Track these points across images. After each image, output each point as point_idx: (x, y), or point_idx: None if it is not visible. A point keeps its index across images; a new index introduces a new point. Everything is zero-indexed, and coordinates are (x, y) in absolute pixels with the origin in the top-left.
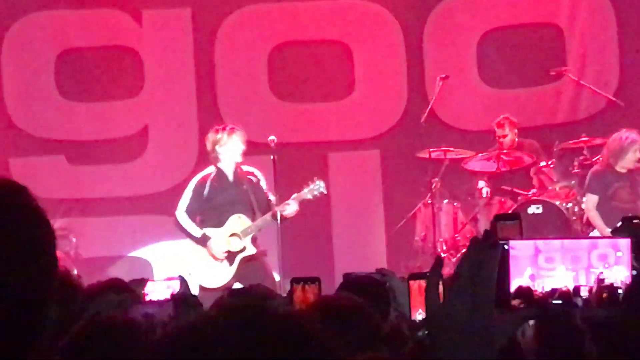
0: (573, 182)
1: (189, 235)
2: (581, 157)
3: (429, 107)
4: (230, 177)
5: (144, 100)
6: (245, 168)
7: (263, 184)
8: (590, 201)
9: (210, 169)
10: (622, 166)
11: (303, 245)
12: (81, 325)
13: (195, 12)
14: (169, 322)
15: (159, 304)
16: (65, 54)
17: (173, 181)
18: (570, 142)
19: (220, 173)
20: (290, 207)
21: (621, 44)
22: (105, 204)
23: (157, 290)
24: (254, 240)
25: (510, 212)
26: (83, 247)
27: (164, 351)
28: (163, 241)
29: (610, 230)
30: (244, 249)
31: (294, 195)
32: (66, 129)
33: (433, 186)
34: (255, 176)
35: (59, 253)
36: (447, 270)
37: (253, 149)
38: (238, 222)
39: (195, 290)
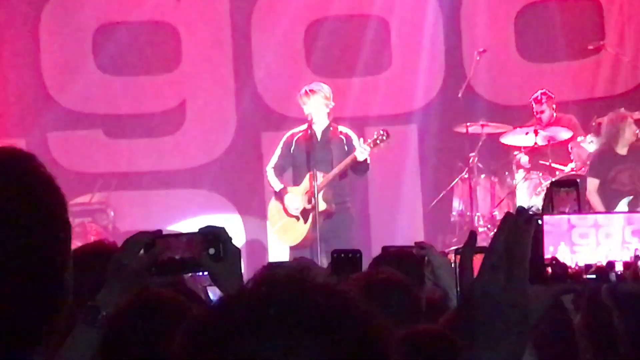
0: None
1: (272, 189)
2: None
3: (467, 82)
4: (319, 136)
5: (181, 75)
6: (339, 129)
7: (356, 143)
8: (591, 184)
9: (302, 127)
10: (623, 145)
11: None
12: (131, 297)
13: None
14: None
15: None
16: (103, 28)
17: (210, 155)
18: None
19: (309, 131)
20: (364, 153)
21: None
22: (143, 178)
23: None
24: (333, 196)
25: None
26: (120, 220)
27: (203, 328)
28: (201, 215)
29: None
30: (316, 206)
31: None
32: (104, 103)
33: (470, 161)
34: (347, 136)
35: (96, 226)
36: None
37: (291, 124)
38: (311, 180)
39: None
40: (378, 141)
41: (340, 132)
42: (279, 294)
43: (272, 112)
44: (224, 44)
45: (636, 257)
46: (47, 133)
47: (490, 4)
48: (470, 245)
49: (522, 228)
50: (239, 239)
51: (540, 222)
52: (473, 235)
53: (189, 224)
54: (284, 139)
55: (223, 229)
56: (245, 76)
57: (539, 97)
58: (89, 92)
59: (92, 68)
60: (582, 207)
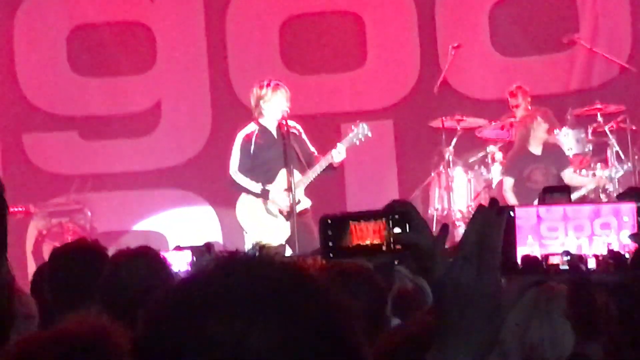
0: (587, 149)
1: (249, 192)
2: (595, 124)
3: (442, 77)
4: (274, 132)
5: (156, 75)
6: (289, 123)
7: (304, 136)
8: (506, 183)
9: (252, 126)
10: (537, 144)
11: (317, 216)
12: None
13: None
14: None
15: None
16: (78, 29)
17: (186, 155)
18: (584, 109)
19: (263, 129)
20: (340, 155)
21: (633, 10)
22: (119, 179)
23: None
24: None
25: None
26: (98, 221)
27: (159, 308)
28: (175, 209)
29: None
30: (298, 203)
31: (341, 142)
32: (79, 105)
33: (446, 155)
34: (297, 129)
35: (74, 226)
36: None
37: None
38: (286, 177)
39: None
40: (360, 136)
41: (292, 127)
42: (235, 272)
43: (248, 111)
44: (199, 43)
45: (609, 251)
46: (23, 134)
47: None
48: (442, 238)
49: (494, 219)
50: (216, 237)
51: (512, 214)
52: (445, 227)
53: (166, 222)
54: (239, 140)
55: (408, 202)
56: (220, 75)
57: (514, 91)
58: (63, 93)
59: (66, 69)
60: None
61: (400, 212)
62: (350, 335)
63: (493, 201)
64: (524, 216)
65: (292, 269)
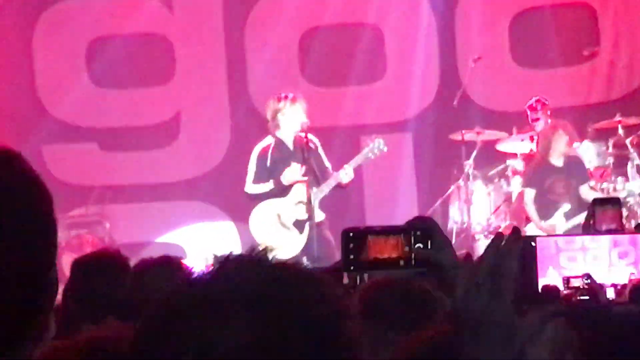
0: (607, 162)
1: (267, 196)
2: (615, 137)
3: (462, 89)
4: (290, 146)
5: (175, 87)
6: (302, 135)
7: (321, 150)
8: (527, 195)
9: (269, 140)
10: (557, 156)
11: (336, 229)
12: None
13: None
14: None
15: None
16: (97, 41)
17: (205, 167)
18: (605, 122)
19: (279, 142)
20: (347, 176)
21: None
22: (138, 190)
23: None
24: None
25: None
26: (117, 233)
27: (155, 311)
28: (195, 223)
29: (544, 223)
30: (313, 216)
31: (354, 159)
32: (98, 116)
33: (466, 168)
34: (314, 143)
35: (93, 238)
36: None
37: None
38: (303, 189)
39: None
40: (376, 151)
41: (310, 140)
42: (228, 274)
43: (267, 123)
44: (218, 55)
45: (630, 282)
46: (42, 146)
47: (484, 11)
48: (467, 264)
49: (510, 247)
50: (235, 248)
51: (533, 244)
52: (469, 256)
53: (185, 235)
54: (255, 154)
55: (431, 219)
56: (239, 87)
57: (534, 105)
58: (83, 105)
59: (86, 81)
60: (623, 225)
61: (423, 228)
62: (343, 339)
63: (515, 230)
64: (545, 246)
65: (292, 272)
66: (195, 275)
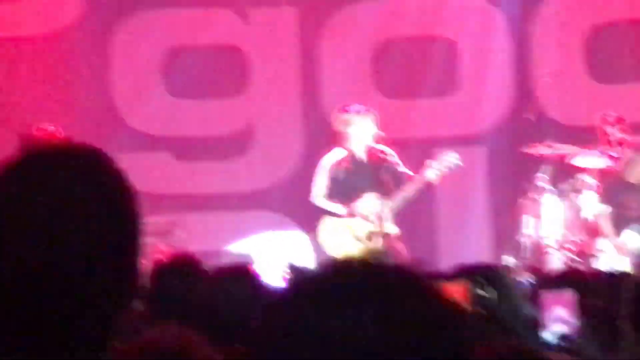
0: None
1: (333, 215)
2: None
3: (536, 103)
4: (361, 157)
5: (249, 98)
6: (376, 147)
7: (397, 159)
8: (602, 212)
9: (340, 152)
10: (635, 175)
11: (408, 242)
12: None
13: (300, 10)
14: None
15: None
16: (173, 52)
17: (277, 178)
18: None
19: (351, 155)
20: (432, 171)
21: None
22: (210, 200)
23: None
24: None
25: None
26: (189, 241)
27: (276, 304)
28: (264, 232)
29: (617, 239)
30: (385, 228)
31: (434, 162)
32: (173, 126)
33: (539, 182)
34: (387, 154)
35: (165, 246)
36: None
37: None
38: (375, 202)
39: None
40: (451, 164)
41: (382, 151)
42: (348, 272)
43: (339, 135)
44: (292, 67)
45: None
46: (117, 154)
47: (560, 24)
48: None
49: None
50: (308, 260)
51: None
52: (537, 270)
53: (254, 244)
54: (326, 167)
55: (498, 268)
56: (313, 98)
57: (609, 120)
58: (158, 115)
59: (161, 91)
60: None
61: (487, 276)
62: (461, 340)
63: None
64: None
65: (406, 273)
66: (307, 274)
